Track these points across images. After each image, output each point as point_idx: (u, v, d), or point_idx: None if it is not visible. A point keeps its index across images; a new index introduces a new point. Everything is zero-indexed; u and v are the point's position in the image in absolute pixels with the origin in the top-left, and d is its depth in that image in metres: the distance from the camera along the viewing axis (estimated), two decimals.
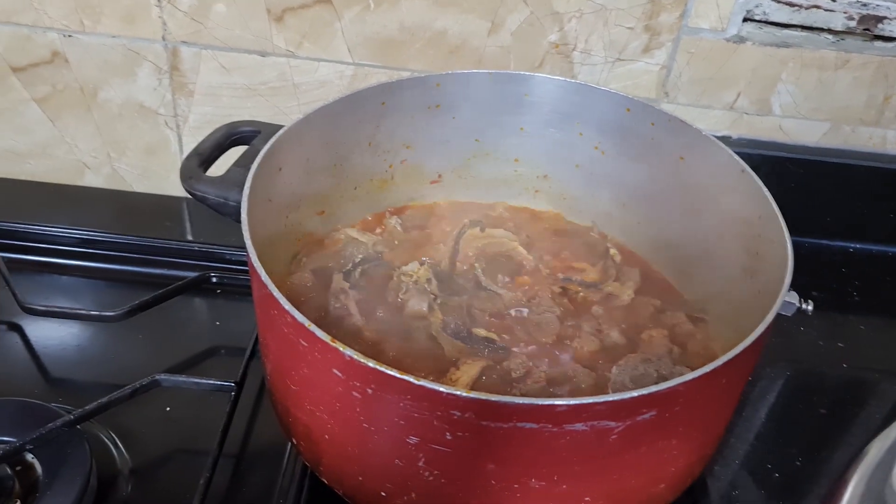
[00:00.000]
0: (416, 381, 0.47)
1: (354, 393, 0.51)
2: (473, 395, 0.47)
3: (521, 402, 0.47)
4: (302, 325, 0.50)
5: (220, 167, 0.69)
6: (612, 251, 0.79)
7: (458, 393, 0.47)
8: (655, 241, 0.80)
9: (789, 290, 0.60)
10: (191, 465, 0.70)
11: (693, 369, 0.49)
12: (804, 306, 0.60)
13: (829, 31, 0.85)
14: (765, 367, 0.82)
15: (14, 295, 0.80)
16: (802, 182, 0.91)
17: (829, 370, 0.82)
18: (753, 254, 0.66)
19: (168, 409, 0.75)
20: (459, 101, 0.79)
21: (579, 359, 0.70)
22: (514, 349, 0.69)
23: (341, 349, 0.49)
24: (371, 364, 0.48)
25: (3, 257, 0.86)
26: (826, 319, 0.88)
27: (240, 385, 0.73)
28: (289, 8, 0.83)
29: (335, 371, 0.51)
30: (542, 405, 0.46)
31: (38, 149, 0.97)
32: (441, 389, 0.47)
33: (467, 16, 0.83)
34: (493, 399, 0.46)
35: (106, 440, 0.72)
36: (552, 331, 0.71)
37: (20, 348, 0.82)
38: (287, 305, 0.52)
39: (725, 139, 0.90)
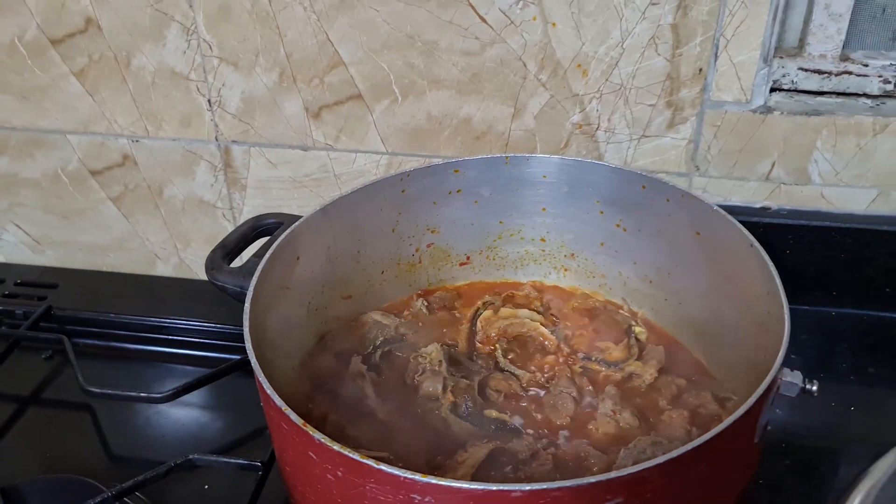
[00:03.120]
0: (375, 465, 0.48)
1: (329, 475, 0.52)
2: (428, 479, 0.47)
3: (475, 487, 0.47)
4: (279, 409, 0.53)
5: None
6: (637, 329, 0.78)
7: (415, 477, 0.48)
8: (683, 319, 0.78)
9: (792, 370, 0.57)
10: None
11: None
12: (808, 387, 0.57)
13: (866, 95, 0.82)
14: (811, 449, 0.77)
15: (78, 379, 0.87)
16: (853, 252, 0.86)
17: (884, 452, 0.76)
18: (765, 331, 0.64)
19: (206, 486, 0.79)
20: (479, 185, 0.81)
21: (594, 440, 0.68)
22: (526, 431, 0.69)
23: (311, 432, 0.51)
24: (336, 447, 0.50)
25: (79, 343, 0.94)
26: (884, 398, 0.82)
27: (266, 465, 0.76)
28: (324, 105, 0.89)
29: (311, 454, 0.53)
30: (495, 490, 0.47)
31: (116, 243, 1.06)
32: (399, 474, 0.48)
33: (489, 102, 0.86)
34: (446, 484, 0.47)
35: None
36: (567, 412, 0.71)
37: (89, 427, 0.88)
38: (270, 390, 0.54)
39: (765, 210, 0.87)
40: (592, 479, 0.46)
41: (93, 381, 0.87)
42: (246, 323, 0.60)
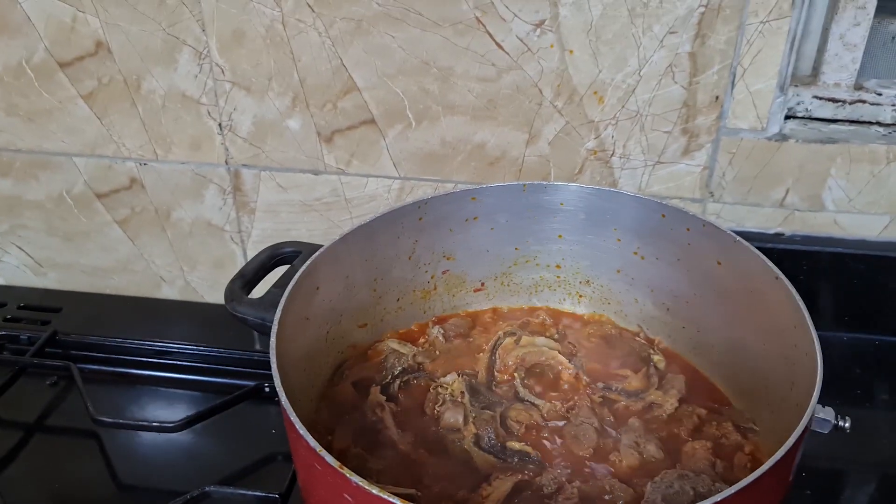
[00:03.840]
0: None
1: None
2: None
3: None
4: (314, 450, 0.52)
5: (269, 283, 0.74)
6: (656, 358, 0.78)
7: None
8: (701, 347, 0.78)
9: (824, 406, 0.57)
10: None
11: None
12: (840, 423, 0.57)
13: (879, 123, 0.82)
14: (828, 478, 0.77)
15: (87, 408, 0.85)
16: (866, 278, 0.87)
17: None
18: (792, 363, 0.64)
19: None
20: (496, 212, 0.81)
21: (617, 473, 0.68)
22: (549, 463, 0.69)
23: (348, 475, 0.50)
24: (375, 491, 0.49)
25: (85, 368, 0.92)
26: None
27: (284, 497, 0.75)
28: (337, 130, 0.89)
29: (346, 496, 0.52)
30: None
31: (121, 265, 1.05)
32: None
33: (504, 128, 0.86)
34: None
35: None
36: (590, 444, 0.70)
37: (96, 455, 0.87)
38: (302, 430, 0.54)
39: (778, 236, 0.88)
40: None
41: (100, 409, 0.86)
42: (273, 360, 0.59)
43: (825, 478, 0.77)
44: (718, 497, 0.47)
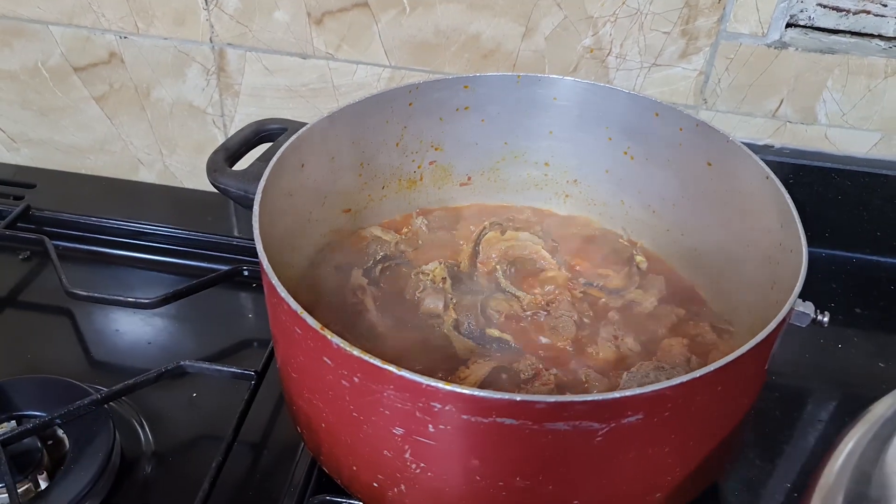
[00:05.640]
0: (396, 371, 0.48)
1: (343, 381, 0.51)
2: (451, 387, 0.47)
3: (499, 396, 0.46)
4: (295, 313, 0.52)
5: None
6: (638, 258, 0.78)
7: (438, 385, 0.47)
8: (685, 249, 0.78)
9: (804, 300, 0.58)
10: (211, 450, 0.71)
11: None
12: (819, 318, 0.57)
13: (880, 37, 0.81)
14: (798, 384, 0.79)
15: (61, 281, 0.84)
16: (850, 195, 0.87)
17: (867, 392, 0.78)
18: (775, 263, 0.64)
19: (195, 394, 0.78)
20: (488, 104, 0.79)
21: (594, 365, 0.69)
22: (527, 351, 0.69)
23: (329, 337, 0.50)
24: (356, 353, 0.49)
25: (59, 245, 0.91)
26: (870, 338, 0.84)
27: (260, 374, 0.75)
28: (328, 12, 0.86)
29: (325, 359, 0.52)
30: (521, 401, 0.46)
31: (98, 145, 1.02)
32: (420, 381, 0.47)
33: (501, 20, 0.83)
34: (469, 392, 0.47)
35: (134, 422, 0.75)
36: (568, 335, 0.71)
37: (69, 331, 0.86)
38: (283, 293, 0.53)
39: (767, 148, 0.87)
40: (617, 395, 0.46)
41: (75, 285, 0.85)
42: (256, 226, 0.58)
43: (794, 384, 0.79)
44: (699, 373, 0.47)
